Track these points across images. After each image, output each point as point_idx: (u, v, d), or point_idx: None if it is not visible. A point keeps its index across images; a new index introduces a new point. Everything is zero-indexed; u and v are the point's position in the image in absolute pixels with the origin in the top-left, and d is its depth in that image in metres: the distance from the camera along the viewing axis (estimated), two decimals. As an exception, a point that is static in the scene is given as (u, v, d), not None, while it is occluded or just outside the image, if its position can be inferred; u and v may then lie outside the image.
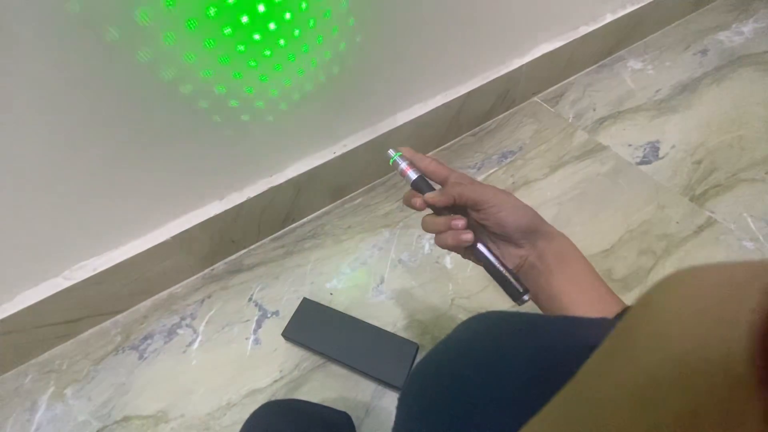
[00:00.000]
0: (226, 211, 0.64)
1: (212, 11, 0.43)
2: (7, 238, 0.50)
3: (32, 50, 0.38)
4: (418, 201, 0.37)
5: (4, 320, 0.55)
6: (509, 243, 0.36)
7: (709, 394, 0.10)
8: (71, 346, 0.64)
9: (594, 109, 0.89)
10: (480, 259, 0.36)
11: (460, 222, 0.35)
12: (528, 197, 0.75)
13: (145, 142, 0.51)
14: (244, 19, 0.46)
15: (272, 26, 0.48)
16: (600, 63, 0.99)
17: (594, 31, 0.88)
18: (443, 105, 0.76)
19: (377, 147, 0.73)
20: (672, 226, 0.69)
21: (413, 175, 0.38)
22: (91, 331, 0.65)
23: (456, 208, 0.37)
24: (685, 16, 1.08)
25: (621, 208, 0.73)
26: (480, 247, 0.35)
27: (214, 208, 0.64)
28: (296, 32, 0.51)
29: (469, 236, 0.35)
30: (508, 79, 0.82)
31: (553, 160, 0.81)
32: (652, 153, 0.80)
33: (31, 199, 0.48)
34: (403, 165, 0.39)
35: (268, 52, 0.50)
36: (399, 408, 0.28)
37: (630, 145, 0.82)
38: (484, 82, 0.79)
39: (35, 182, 0.47)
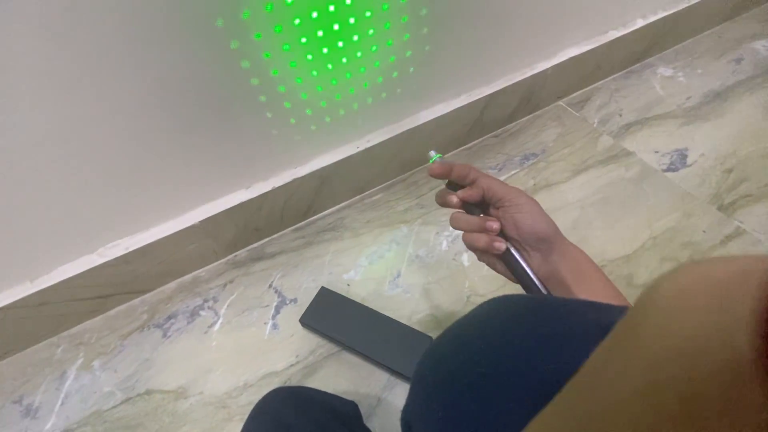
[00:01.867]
0: (251, 200, 0.66)
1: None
2: (49, 213, 0.53)
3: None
4: (454, 198, 0.38)
5: (42, 291, 0.59)
6: (521, 250, 0.36)
7: (711, 381, 0.10)
8: (101, 321, 0.67)
9: (620, 115, 0.88)
10: (506, 260, 0.36)
11: (494, 224, 0.35)
12: (549, 200, 0.75)
13: (181, 129, 0.53)
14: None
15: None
16: (629, 69, 0.98)
17: (624, 36, 0.87)
18: (466, 105, 0.77)
19: (399, 144, 0.74)
20: (698, 234, 0.68)
21: None
22: (119, 308, 0.68)
23: (481, 205, 0.37)
24: (720, 24, 1.05)
25: (645, 214, 0.71)
26: (509, 247, 0.36)
27: (240, 197, 0.66)
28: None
29: (502, 246, 0.35)
30: (533, 82, 0.82)
31: (576, 164, 0.80)
32: (679, 160, 0.78)
33: (73, 177, 0.51)
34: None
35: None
36: (413, 383, 0.29)
37: (657, 152, 0.80)
38: (509, 84, 0.79)
39: (78, 161, 0.50)
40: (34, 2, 0.37)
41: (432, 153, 0.40)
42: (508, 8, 0.67)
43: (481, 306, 0.29)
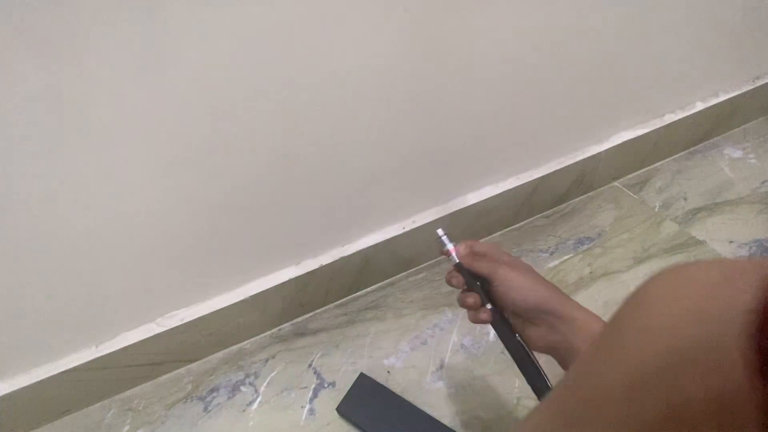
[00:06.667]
0: (299, 277, 0.68)
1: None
2: (116, 283, 0.58)
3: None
4: (453, 279, 0.42)
5: (104, 357, 0.63)
6: (530, 323, 0.36)
7: (701, 386, 0.10)
8: (149, 387, 0.69)
9: (685, 199, 0.83)
10: (505, 343, 0.38)
11: (469, 299, 0.39)
12: (608, 289, 0.70)
13: (241, 210, 0.58)
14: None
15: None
16: (691, 149, 0.94)
17: (682, 119, 0.85)
18: (515, 188, 0.77)
19: (446, 225, 0.75)
20: (794, 344, 0.58)
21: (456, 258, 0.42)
22: (167, 375, 0.70)
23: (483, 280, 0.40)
24: (794, 103, 0.99)
25: (723, 314, 0.63)
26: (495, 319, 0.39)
27: (290, 273, 0.68)
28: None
29: (485, 316, 0.38)
30: (585, 165, 0.81)
31: (637, 251, 0.75)
32: (760, 252, 0.71)
33: (141, 252, 0.57)
34: (449, 246, 0.42)
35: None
36: None
37: (732, 242, 0.73)
38: (559, 167, 0.78)
39: (147, 239, 0.56)
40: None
41: (440, 232, 0.44)
42: (559, 94, 0.69)
43: None
